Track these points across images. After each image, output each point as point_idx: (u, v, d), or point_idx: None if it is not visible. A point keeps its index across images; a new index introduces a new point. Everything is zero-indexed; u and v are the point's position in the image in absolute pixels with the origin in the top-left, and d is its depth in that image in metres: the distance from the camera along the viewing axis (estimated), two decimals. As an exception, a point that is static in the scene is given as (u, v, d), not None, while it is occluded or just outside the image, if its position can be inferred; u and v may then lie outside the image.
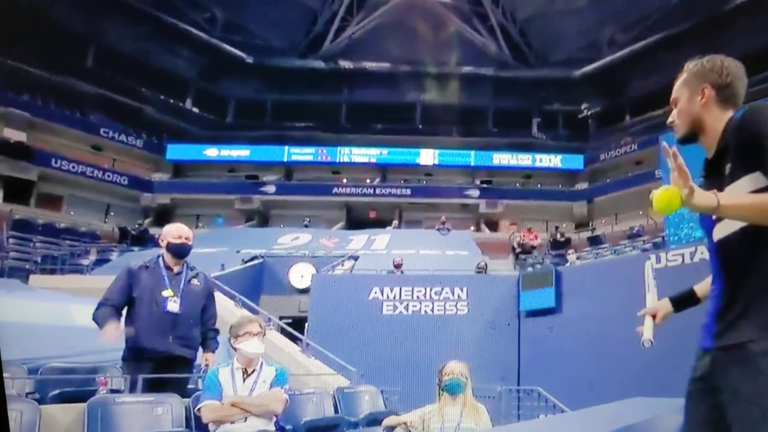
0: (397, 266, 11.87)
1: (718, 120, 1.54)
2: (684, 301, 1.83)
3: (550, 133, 28.51)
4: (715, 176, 1.51)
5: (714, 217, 1.47)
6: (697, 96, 1.56)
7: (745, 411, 1.35)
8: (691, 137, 1.60)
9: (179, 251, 3.64)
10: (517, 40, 28.16)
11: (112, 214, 23.70)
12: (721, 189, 1.42)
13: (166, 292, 3.50)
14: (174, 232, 3.65)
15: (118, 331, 3.34)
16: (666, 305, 1.83)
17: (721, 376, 1.43)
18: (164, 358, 3.45)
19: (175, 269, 3.63)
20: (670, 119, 1.66)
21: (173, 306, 3.49)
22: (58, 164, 21.45)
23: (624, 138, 25.86)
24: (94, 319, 3.41)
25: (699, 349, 1.55)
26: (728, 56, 1.59)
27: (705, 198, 1.31)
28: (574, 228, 23.95)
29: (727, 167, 1.46)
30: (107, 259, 15.05)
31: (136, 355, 3.45)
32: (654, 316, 1.79)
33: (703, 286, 1.77)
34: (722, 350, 1.44)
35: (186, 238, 3.66)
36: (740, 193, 1.39)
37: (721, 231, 1.49)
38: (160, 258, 3.65)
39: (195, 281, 3.68)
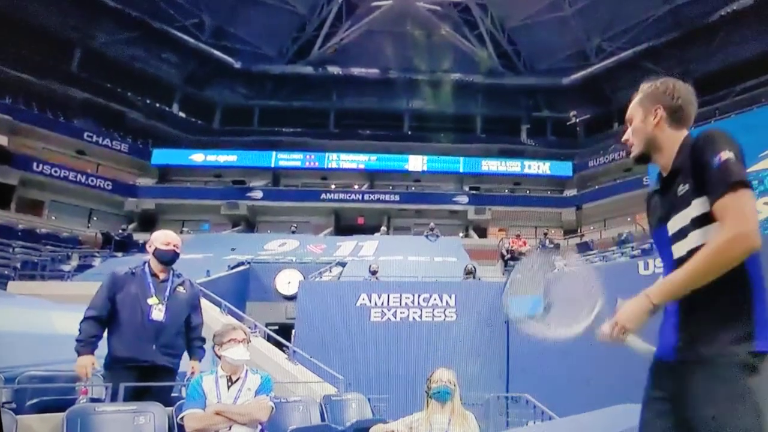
0: (373, 273, 11.97)
1: (671, 140, 1.61)
2: None
3: (539, 139, 28.77)
4: (668, 195, 1.60)
5: (670, 233, 1.56)
6: (651, 116, 1.64)
7: (710, 421, 1.38)
8: (646, 156, 1.68)
9: (166, 258, 3.60)
10: (506, 48, 28.42)
11: (95, 219, 23.40)
12: (673, 209, 1.55)
13: (151, 300, 3.46)
14: (162, 238, 3.61)
15: (92, 368, 3.32)
16: None
17: (686, 388, 1.45)
18: (147, 368, 3.40)
19: (161, 276, 3.59)
20: (624, 137, 1.73)
21: (158, 315, 3.44)
22: (40, 168, 21.15)
23: (612, 145, 26.16)
24: (79, 331, 3.36)
25: (657, 360, 1.59)
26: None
27: (639, 311, 1.46)
28: (562, 234, 24.11)
29: (680, 189, 1.53)
30: (90, 264, 14.79)
31: (118, 364, 3.40)
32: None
33: None
34: (687, 363, 1.46)
35: (175, 246, 3.62)
36: (666, 281, 1.48)
37: (680, 249, 1.53)
38: (146, 264, 3.60)
39: (181, 289, 3.63)
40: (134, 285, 3.48)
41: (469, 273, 12.16)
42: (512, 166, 26.75)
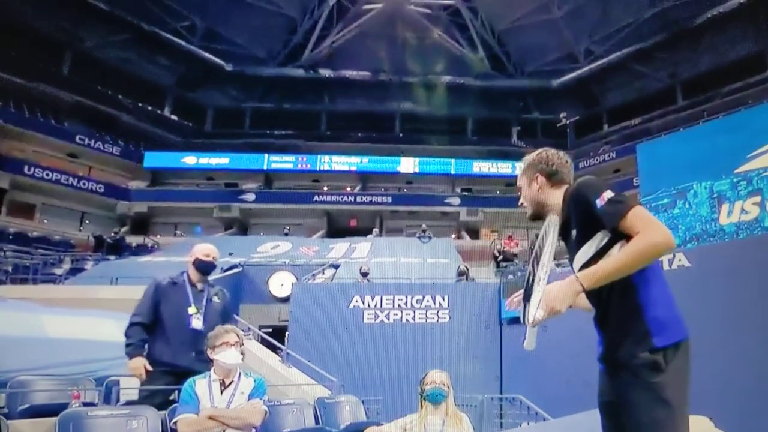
0: (364, 275, 12.01)
1: (555, 198, 1.89)
2: None
3: (529, 141, 28.87)
4: (567, 241, 1.86)
5: (576, 270, 1.77)
6: (534, 183, 1.92)
7: (634, 420, 1.58)
8: (538, 215, 1.96)
9: (206, 269, 3.85)
10: (496, 51, 28.56)
11: (87, 222, 23.21)
12: (572, 252, 1.81)
13: (191, 309, 3.67)
14: (204, 250, 3.84)
15: (144, 370, 3.50)
16: None
17: (613, 390, 1.68)
18: (182, 373, 3.46)
19: (199, 286, 3.80)
20: (519, 201, 2.02)
21: (197, 323, 3.64)
22: (31, 171, 20.94)
23: (602, 146, 26.35)
24: (127, 335, 3.58)
25: (599, 367, 1.83)
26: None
27: (570, 292, 1.61)
28: (554, 235, 24.16)
29: (574, 233, 1.79)
30: (82, 268, 14.66)
31: (158, 367, 3.56)
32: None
33: None
34: (610, 368, 1.71)
35: (213, 258, 3.87)
36: (595, 267, 1.65)
37: None
38: (185, 274, 3.82)
39: (216, 298, 3.85)
40: (175, 294, 3.70)
41: (462, 274, 12.20)
42: (503, 167, 26.83)
